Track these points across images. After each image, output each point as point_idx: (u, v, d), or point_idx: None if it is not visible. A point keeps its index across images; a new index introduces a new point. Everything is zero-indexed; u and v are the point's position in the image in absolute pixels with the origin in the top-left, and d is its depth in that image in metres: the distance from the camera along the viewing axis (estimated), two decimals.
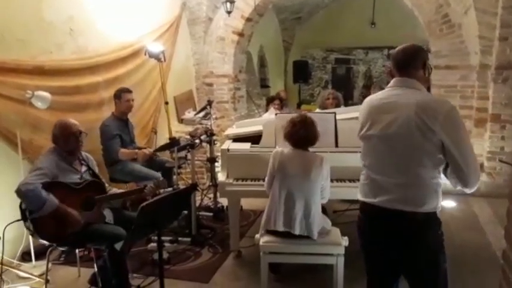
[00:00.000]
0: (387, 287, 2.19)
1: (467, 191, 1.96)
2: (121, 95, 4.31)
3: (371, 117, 2.07)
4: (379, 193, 2.01)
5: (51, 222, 2.80)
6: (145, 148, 4.50)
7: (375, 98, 2.13)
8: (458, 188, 1.98)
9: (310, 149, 3.09)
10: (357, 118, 3.77)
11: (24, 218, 2.85)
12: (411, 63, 2.03)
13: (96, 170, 3.32)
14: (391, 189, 1.96)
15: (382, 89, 6.36)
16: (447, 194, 2.00)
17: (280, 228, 2.94)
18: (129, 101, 4.35)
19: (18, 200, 2.82)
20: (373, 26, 9.62)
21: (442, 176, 2.00)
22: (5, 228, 3.17)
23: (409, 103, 1.91)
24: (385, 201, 1.98)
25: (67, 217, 2.85)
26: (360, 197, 2.15)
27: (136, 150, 4.32)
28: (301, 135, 2.97)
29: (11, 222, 3.17)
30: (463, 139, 1.89)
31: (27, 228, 2.89)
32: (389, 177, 1.97)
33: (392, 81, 2.08)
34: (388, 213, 1.97)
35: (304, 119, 3.03)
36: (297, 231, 2.91)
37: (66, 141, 3.06)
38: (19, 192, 2.74)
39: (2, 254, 3.23)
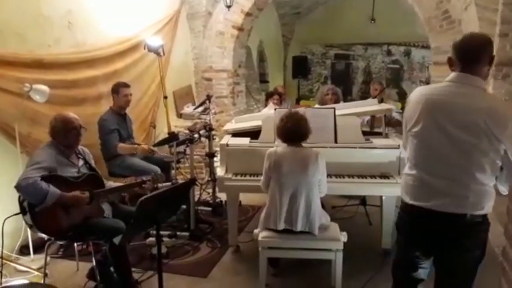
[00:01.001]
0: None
1: None
2: (119, 89, 4.29)
3: (431, 115, 1.93)
4: (432, 196, 1.93)
5: (53, 214, 2.79)
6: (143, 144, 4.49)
7: (432, 93, 1.98)
8: (505, 193, 1.96)
9: (309, 145, 3.09)
10: (355, 114, 3.83)
11: (23, 211, 2.84)
12: (481, 57, 1.88)
13: (93, 163, 3.31)
14: (447, 192, 1.90)
15: (381, 84, 6.34)
16: None
17: (281, 227, 2.95)
18: (127, 96, 4.33)
19: (17, 194, 2.81)
20: (372, 22, 9.59)
21: None
22: (4, 221, 3.17)
23: (478, 108, 1.82)
24: (440, 205, 1.91)
25: (72, 200, 2.85)
26: (407, 199, 2.04)
27: (136, 146, 4.31)
28: (290, 129, 2.95)
29: (10, 216, 3.16)
30: None
31: (26, 221, 2.88)
32: (446, 180, 1.90)
33: (453, 76, 1.94)
34: (443, 217, 1.91)
35: (291, 113, 3.02)
36: (298, 228, 2.92)
37: (67, 135, 3.04)
38: (19, 187, 2.72)
39: (2, 247, 3.23)
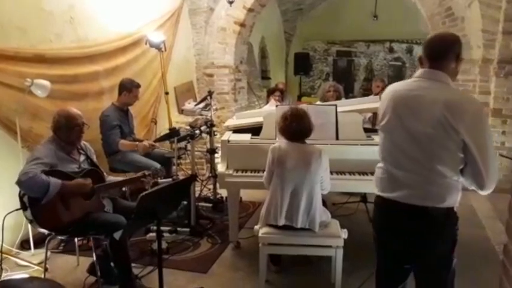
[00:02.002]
0: (395, 284, 2.18)
1: (482, 193, 1.92)
2: (132, 89, 4.28)
3: (394, 109, 1.98)
4: (397, 188, 1.97)
5: (54, 209, 2.79)
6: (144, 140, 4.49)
7: (399, 88, 2.04)
8: (472, 188, 1.94)
9: (311, 142, 3.08)
10: (357, 111, 3.82)
11: (23, 207, 2.84)
12: (446, 55, 1.92)
13: (95, 158, 3.31)
14: (411, 185, 1.92)
15: (383, 81, 6.34)
16: None
17: (281, 222, 2.94)
18: (137, 97, 4.37)
19: (18, 188, 2.80)
20: (375, 18, 9.58)
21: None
22: (5, 217, 3.17)
23: (438, 99, 1.84)
24: (404, 197, 1.94)
25: (75, 188, 2.86)
26: (376, 191, 2.10)
27: (137, 143, 4.31)
28: (294, 129, 2.95)
29: (10, 212, 3.17)
30: (486, 141, 1.83)
31: (26, 217, 2.88)
32: (409, 173, 1.93)
33: (420, 72, 1.98)
34: (407, 208, 1.93)
35: (295, 112, 3.00)
36: (299, 225, 2.91)
37: (69, 131, 3.04)
38: (20, 182, 2.72)
39: (2, 242, 3.23)
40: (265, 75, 9.88)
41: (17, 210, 3.01)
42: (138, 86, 4.34)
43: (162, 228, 2.59)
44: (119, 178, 3.43)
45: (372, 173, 3.39)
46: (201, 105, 5.35)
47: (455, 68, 1.95)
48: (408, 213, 1.94)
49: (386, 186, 2.04)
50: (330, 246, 2.98)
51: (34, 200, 2.76)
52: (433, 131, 1.84)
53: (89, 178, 2.97)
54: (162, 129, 5.60)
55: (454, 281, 2.04)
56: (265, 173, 3.09)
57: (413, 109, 1.91)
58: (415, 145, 1.90)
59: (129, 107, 4.45)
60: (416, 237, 1.96)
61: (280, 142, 3.07)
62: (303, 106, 3.57)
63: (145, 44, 5.02)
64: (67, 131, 3.04)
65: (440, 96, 1.85)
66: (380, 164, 2.10)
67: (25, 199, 2.80)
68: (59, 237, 3.24)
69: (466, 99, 1.92)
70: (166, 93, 5.18)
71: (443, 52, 1.93)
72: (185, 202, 4.12)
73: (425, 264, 2.02)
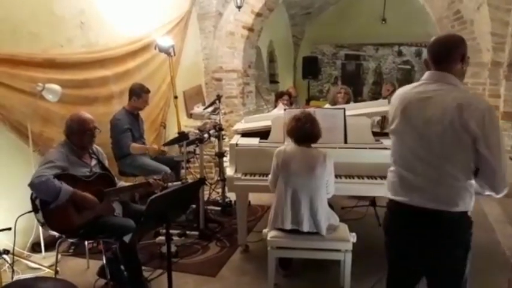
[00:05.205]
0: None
1: (495, 195, 1.90)
2: (142, 94, 4.32)
3: (404, 112, 1.98)
4: (409, 191, 1.95)
5: (65, 212, 2.83)
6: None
7: (408, 91, 2.04)
8: (487, 193, 1.92)
9: (319, 145, 3.08)
10: (365, 114, 3.82)
11: (35, 209, 2.88)
12: (450, 56, 1.92)
13: (106, 163, 3.34)
14: (423, 188, 1.91)
15: (394, 85, 6.31)
16: None
17: (288, 226, 2.94)
18: (146, 102, 4.40)
19: (29, 192, 2.84)
20: (383, 22, 9.56)
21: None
22: (17, 219, 3.21)
23: (447, 101, 1.84)
24: (417, 200, 1.92)
25: (83, 200, 2.88)
26: (389, 195, 2.08)
27: (147, 146, 4.34)
28: (307, 130, 2.96)
29: (23, 214, 3.20)
30: (497, 140, 1.81)
31: (38, 219, 2.91)
32: (420, 175, 1.92)
33: (427, 74, 1.99)
34: (419, 212, 1.92)
35: (309, 114, 3.02)
36: (305, 229, 2.91)
37: (82, 136, 3.08)
38: (33, 185, 2.76)
39: (14, 244, 3.27)
40: (273, 79, 9.89)
41: (28, 212, 3.04)
42: (147, 91, 4.37)
43: (171, 231, 2.60)
44: (129, 183, 3.45)
45: (381, 177, 3.42)
46: (210, 109, 5.37)
47: (461, 68, 1.95)
48: (420, 217, 1.93)
49: (398, 190, 2.02)
50: (338, 250, 2.97)
51: (45, 203, 2.80)
52: (443, 132, 1.84)
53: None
54: (171, 133, 5.63)
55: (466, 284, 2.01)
56: (270, 176, 3.09)
57: (422, 112, 1.91)
58: (425, 147, 1.90)
59: (139, 112, 4.49)
60: (429, 242, 1.94)
61: (286, 146, 3.07)
62: (311, 110, 3.58)
63: (155, 48, 5.06)
64: (79, 135, 3.07)
65: (449, 97, 1.85)
66: (392, 168, 2.09)
67: (37, 202, 2.84)
68: (70, 240, 3.27)
69: (475, 99, 1.90)
70: (175, 97, 5.21)
71: (446, 54, 1.93)
72: (194, 205, 4.13)
73: (437, 269, 1.99)
